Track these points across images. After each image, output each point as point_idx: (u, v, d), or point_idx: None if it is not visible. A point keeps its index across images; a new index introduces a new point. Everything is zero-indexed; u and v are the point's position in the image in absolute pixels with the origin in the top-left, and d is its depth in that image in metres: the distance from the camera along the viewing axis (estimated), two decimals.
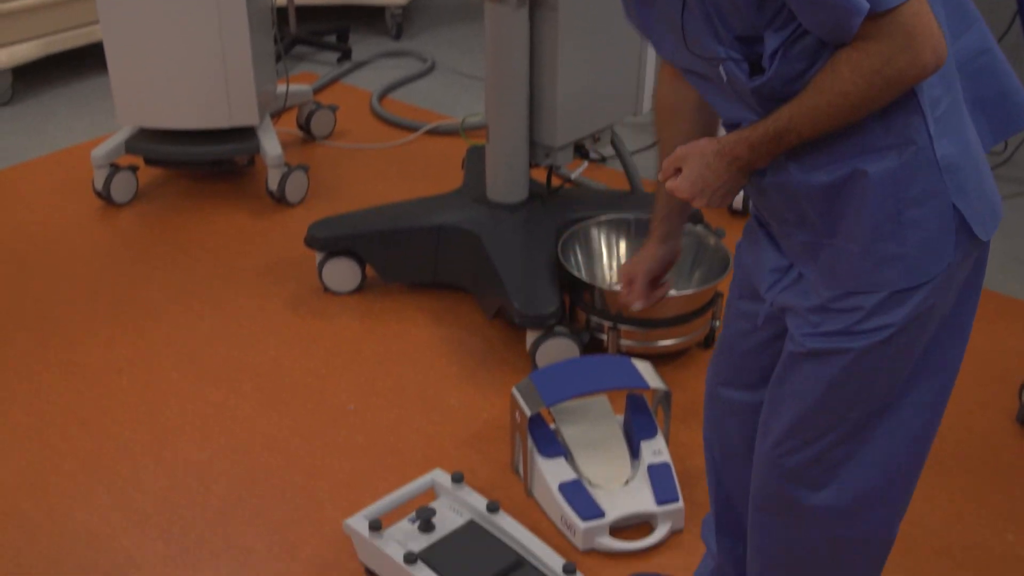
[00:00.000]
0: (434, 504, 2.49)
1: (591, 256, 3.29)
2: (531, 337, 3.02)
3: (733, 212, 3.87)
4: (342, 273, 3.40)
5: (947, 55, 1.45)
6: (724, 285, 3.25)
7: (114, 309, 3.35)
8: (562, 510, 2.50)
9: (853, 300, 1.59)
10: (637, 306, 2.05)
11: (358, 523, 2.37)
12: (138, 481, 2.67)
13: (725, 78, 1.55)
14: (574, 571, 2.30)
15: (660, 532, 2.50)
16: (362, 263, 3.40)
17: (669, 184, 1.65)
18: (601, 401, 2.77)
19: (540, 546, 2.36)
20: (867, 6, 1.38)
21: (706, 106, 1.80)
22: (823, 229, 1.59)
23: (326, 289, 3.43)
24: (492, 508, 2.43)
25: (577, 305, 3.13)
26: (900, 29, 1.40)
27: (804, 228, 1.62)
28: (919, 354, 1.66)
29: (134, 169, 3.94)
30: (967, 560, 2.46)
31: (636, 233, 3.28)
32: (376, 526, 2.33)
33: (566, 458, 2.61)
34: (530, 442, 2.60)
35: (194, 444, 2.80)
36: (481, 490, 2.63)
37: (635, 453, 2.64)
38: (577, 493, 2.51)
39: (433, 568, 2.29)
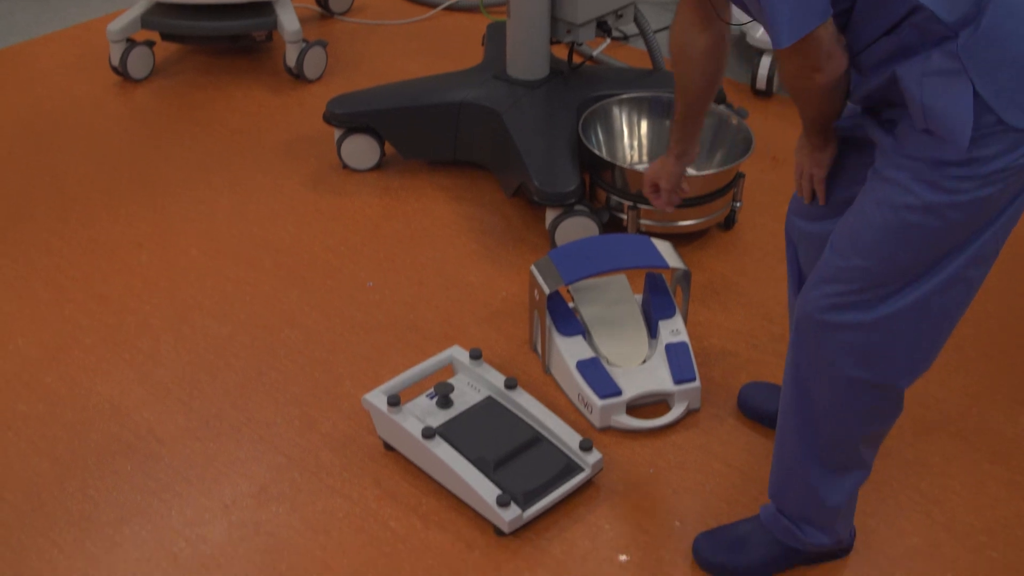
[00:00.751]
0: (452, 380, 2.50)
1: (612, 134, 3.26)
2: (550, 215, 3.01)
3: (757, 92, 3.81)
4: (361, 150, 3.38)
5: (843, 69, 1.76)
6: (746, 166, 3.22)
7: (132, 186, 3.34)
8: (579, 388, 2.51)
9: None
10: (669, 210, 2.45)
11: (377, 398, 2.39)
12: (158, 356, 2.69)
13: None
14: (591, 447, 2.31)
15: (677, 411, 2.51)
16: (381, 140, 3.37)
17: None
18: (620, 280, 2.76)
19: (557, 423, 2.37)
20: (779, 42, 1.70)
21: (714, 55, 2.08)
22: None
23: (345, 166, 3.40)
24: (510, 384, 2.44)
25: (597, 184, 3.10)
26: (798, 55, 1.73)
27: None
28: (976, 232, 1.74)
29: (151, 44, 3.89)
30: (980, 443, 2.47)
31: (657, 112, 3.24)
32: (395, 401, 2.35)
33: (584, 336, 2.61)
34: (548, 320, 2.60)
35: (214, 319, 2.81)
36: (499, 367, 2.64)
37: (653, 332, 2.64)
38: (595, 371, 2.52)
39: (451, 443, 2.31)
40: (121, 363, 2.67)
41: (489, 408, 2.42)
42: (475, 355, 2.50)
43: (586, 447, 2.31)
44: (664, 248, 2.66)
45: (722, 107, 3.22)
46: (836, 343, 1.85)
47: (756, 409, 2.48)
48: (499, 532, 2.24)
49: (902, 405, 1.95)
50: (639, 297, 2.75)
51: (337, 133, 3.36)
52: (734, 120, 3.16)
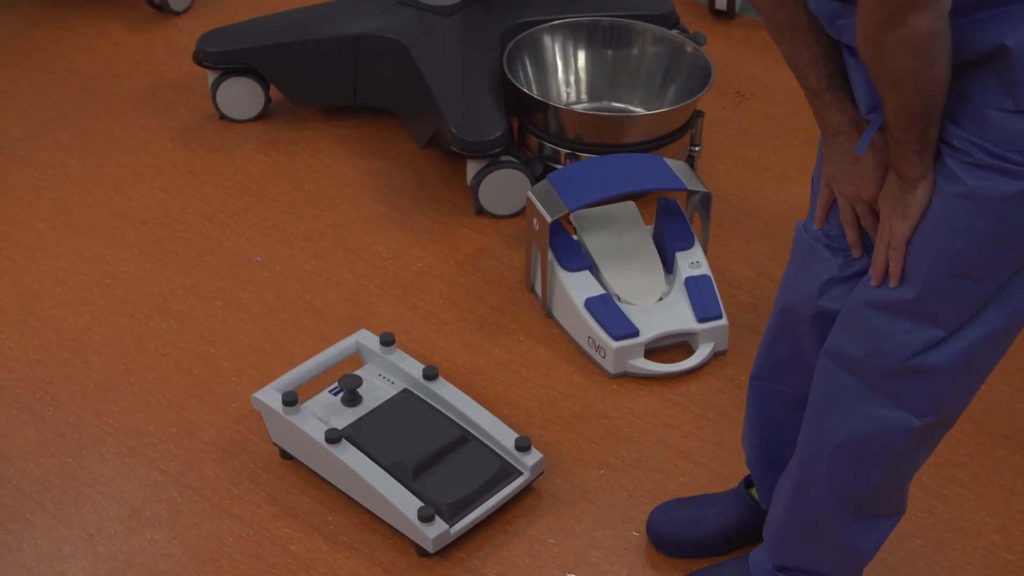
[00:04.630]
0: (360, 372, 2.49)
1: (543, 69, 3.25)
2: (472, 168, 3.00)
3: (716, 13, 3.81)
4: (241, 96, 3.34)
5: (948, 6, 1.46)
6: (704, 102, 3.23)
7: None
8: (590, 329, 2.56)
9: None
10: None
11: (269, 397, 2.37)
12: (0, 355, 2.65)
13: None
14: (529, 447, 2.32)
15: (702, 353, 2.60)
16: (265, 83, 3.34)
17: (896, 239, 1.67)
18: (628, 207, 2.82)
19: (488, 419, 2.38)
20: None
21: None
22: None
23: (222, 116, 3.37)
24: (429, 375, 2.43)
25: (527, 129, 3.10)
26: None
27: None
28: None
29: None
30: (991, 425, 2.51)
31: (597, 40, 3.24)
32: (291, 400, 2.33)
33: (592, 271, 2.67)
34: (550, 255, 2.64)
35: (67, 308, 2.77)
36: (416, 354, 2.64)
37: (669, 266, 2.71)
38: (607, 309, 2.58)
39: (360, 448, 2.30)
40: None
41: (405, 404, 2.42)
42: (386, 340, 2.49)
43: (523, 447, 2.32)
44: (679, 168, 2.72)
45: (675, 32, 3.23)
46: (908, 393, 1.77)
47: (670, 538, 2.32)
48: (422, 552, 2.23)
49: None
50: (651, 227, 2.81)
51: (211, 76, 3.32)
52: (689, 48, 3.16)
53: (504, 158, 2.97)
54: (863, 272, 1.80)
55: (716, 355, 2.64)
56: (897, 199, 1.64)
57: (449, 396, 2.42)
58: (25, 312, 2.76)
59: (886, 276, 1.70)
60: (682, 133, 3.07)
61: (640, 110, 3.21)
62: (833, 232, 1.83)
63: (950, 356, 1.70)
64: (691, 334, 2.62)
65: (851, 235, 1.78)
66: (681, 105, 3.02)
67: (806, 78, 1.71)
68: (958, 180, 1.57)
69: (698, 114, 3.12)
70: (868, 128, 1.67)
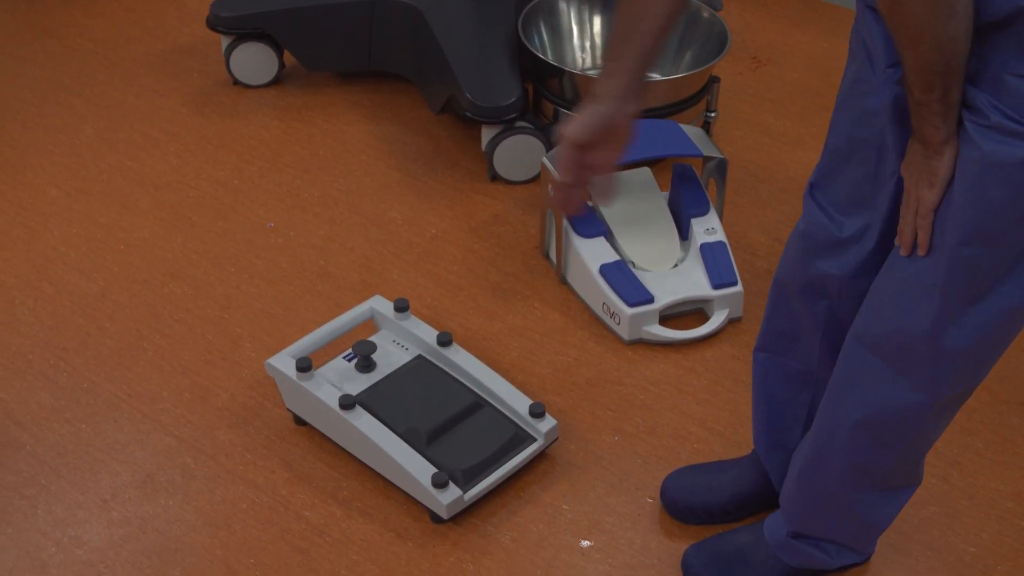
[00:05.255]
0: (374, 338, 2.48)
1: (559, 34, 3.24)
2: (487, 134, 2.99)
3: None
4: (255, 61, 3.34)
5: None
6: (721, 68, 3.22)
7: None
8: (604, 295, 2.58)
9: None
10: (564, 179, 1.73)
11: (283, 363, 2.37)
12: (14, 321, 2.66)
13: None
14: (543, 413, 2.31)
15: (717, 320, 2.61)
16: (279, 48, 3.33)
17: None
18: (643, 173, 2.82)
19: (502, 385, 2.37)
20: None
21: None
22: None
23: (236, 81, 3.37)
24: (444, 341, 2.43)
25: (542, 94, 3.09)
26: None
27: None
28: None
29: None
30: (1007, 392, 2.50)
31: (611, 5, 3.22)
32: (305, 366, 2.33)
33: (606, 237, 2.68)
34: (565, 221, 2.66)
35: (81, 274, 2.77)
36: (430, 320, 2.64)
37: (684, 232, 2.71)
38: (621, 276, 2.59)
39: (374, 413, 2.30)
40: None
41: (419, 370, 2.41)
42: (401, 307, 2.49)
43: (537, 413, 2.31)
44: (695, 134, 2.73)
45: None
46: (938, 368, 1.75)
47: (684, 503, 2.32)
48: (436, 518, 2.24)
49: None
50: (666, 193, 2.82)
51: (225, 41, 3.32)
52: (705, 13, 3.14)
53: (519, 124, 2.97)
54: (854, 238, 1.80)
55: (731, 322, 2.64)
56: (923, 167, 1.61)
57: (463, 362, 2.41)
58: (39, 278, 2.76)
59: (913, 247, 1.67)
60: (698, 99, 3.06)
61: (656, 75, 3.20)
62: (829, 196, 1.83)
63: (969, 331, 1.68)
64: (706, 300, 2.63)
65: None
66: (697, 71, 3.00)
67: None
68: (974, 145, 1.55)
69: (714, 80, 3.10)
70: (887, 78, 1.64)
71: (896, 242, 1.70)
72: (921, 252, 1.66)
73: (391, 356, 2.45)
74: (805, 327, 1.98)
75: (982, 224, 1.59)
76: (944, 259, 1.64)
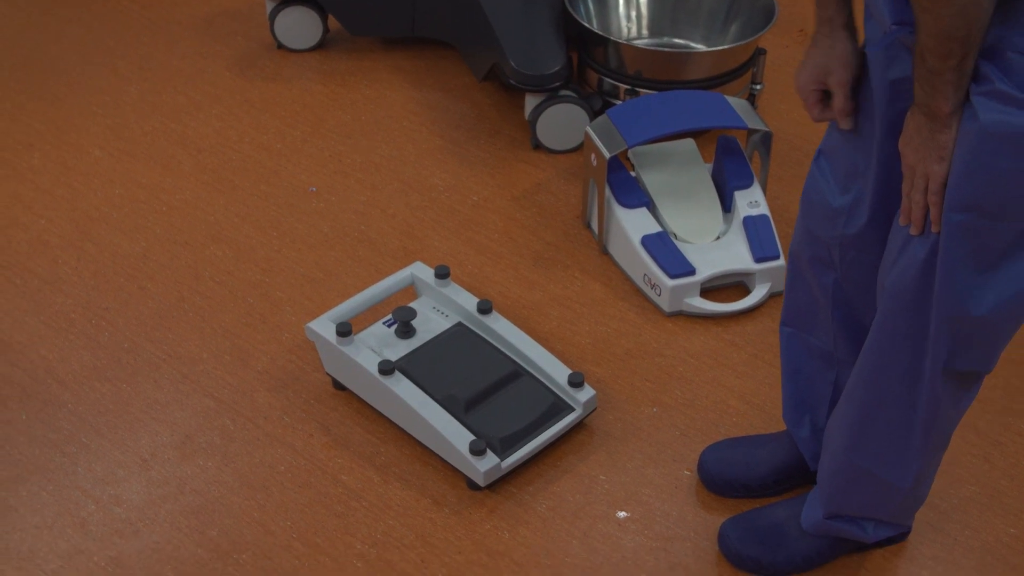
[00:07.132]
0: (414, 304, 2.49)
1: (605, 3, 3.23)
2: (531, 102, 2.98)
3: None
4: (299, 25, 3.34)
5: None
6: (767, 40, 3.19)
7: (17, 73, 3.29)
8: (646, 266, 2.57)
9: None
10: (846, 124, 1.81)
11: (323, 327, 2.38)
12: (57, 280, 2.67)
13: None
14: (582, 383, 2.31)
15: (758, 293, 2.61)
16: (323, 12, 3.33)
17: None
18: (687, 144, 2.82)
19: (542, 354, 2.37)
20: None
21: None
22: None
23: (280, 45, 3.37)
24: (484, 308, 2.43)
25: (587, 63, 3.08)
26: None
27: None
28: None
29: None
30: None
31: None
32: (345, 331, 2.34)
33: (649, 208, 2.68)
34: (607, 191, 2.65)
35: (124, 235, 2.79)
36: (470, 287, 2.64)
37: (727, 204, 2.71)
38: (663, 247, 2.59)
39: (413, 380, 2.30)
40: (11, 289, 2.64)
41: (459, 337, 2.42)
42: (441, 273, 2.49)
43: (576, 383, 2.31)
44: (740, 106, 2.71)
45: None
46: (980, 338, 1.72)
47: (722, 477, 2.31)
48: (473, 485, 2.24)
49: None
50: (709, 165, 2.81)
51: (269, 5, 3.32)
52: None
53: (563, 92, 2.96)
54: (847, 208, 1.80)
55: (772, 296, 2.63)
56: (929, 141, 1.57)
57: (503, 330, 2.41)
58: (82, 238, 2.78)
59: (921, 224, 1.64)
60: (744, 71, 3.04)
61: (701, 47, 3.18)
62: (833, 165, 1.84)
63: (984, 306, 1.65)
64: (748, 274, 2.62)
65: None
66: (743, 42, 2.98)
67: None
68: (974, 114, 1.51)
69: (760, 52, 3.09)
70: (886, 37, 1.60)
71: (901, 222, 1.67)
72: (935, 229, 1.61)
73: (431, 323, 2.45)
74: (819, 302, 1.97)
75: (986, 194, 1.55)
76: (946, 225, 1.60)
